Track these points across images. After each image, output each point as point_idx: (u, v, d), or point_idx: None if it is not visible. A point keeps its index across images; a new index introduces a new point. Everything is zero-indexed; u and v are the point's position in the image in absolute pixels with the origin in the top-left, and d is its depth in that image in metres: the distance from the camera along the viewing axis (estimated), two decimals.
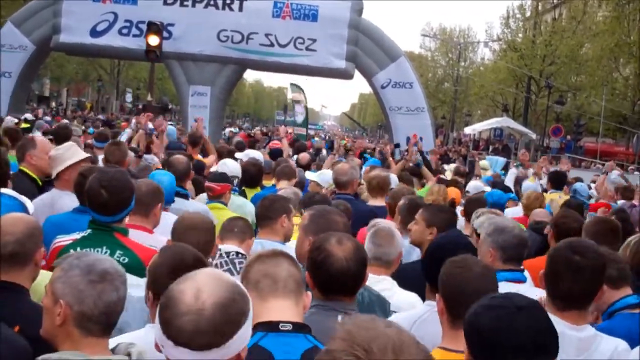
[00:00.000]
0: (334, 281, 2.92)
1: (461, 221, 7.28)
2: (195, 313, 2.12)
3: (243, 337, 2.22)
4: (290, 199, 5.80)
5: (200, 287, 2.17)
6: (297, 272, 2.89)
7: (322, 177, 7.99)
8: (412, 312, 3.94)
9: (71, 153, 6.04)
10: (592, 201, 11.35)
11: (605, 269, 3.56)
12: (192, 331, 2.11)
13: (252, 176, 8.28)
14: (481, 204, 7.14)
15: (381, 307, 4.08)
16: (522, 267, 4.67)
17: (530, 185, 11.24)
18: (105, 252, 4.26)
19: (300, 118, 29.30)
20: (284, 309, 2.80)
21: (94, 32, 21.26)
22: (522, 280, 4.55)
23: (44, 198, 5.80)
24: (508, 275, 4.28)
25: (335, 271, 3.07)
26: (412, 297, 4.47)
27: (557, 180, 10.90)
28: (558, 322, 3.31)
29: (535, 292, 4.09)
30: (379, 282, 4.36)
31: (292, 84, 30.53)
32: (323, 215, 4.29)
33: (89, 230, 4.43)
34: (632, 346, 3.46)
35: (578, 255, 3.42)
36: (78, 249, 4.25)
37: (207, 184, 7.09)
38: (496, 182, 12.45)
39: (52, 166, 5.99)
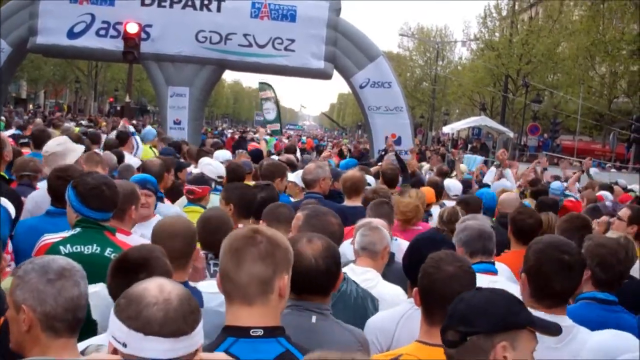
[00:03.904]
0: (303, 279, 2.91)
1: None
2: (163, 302, 2.21)
3: (201, 333, 2.31)
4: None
5: (161, 283, 2.28)
6: (261, 269, 2.71)
7: (299, 178, 8.07)
8: (396, 309, 4.00)
9: (70, 149, 6.41)
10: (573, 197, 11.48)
11: (586, 262, 3.71)
12: (163, 318, 2.19)
13: (238, 178, 8.33)
14: (472, 206, 7.20)
15: (372, 302, 4.15)
16: (492, 260, 4.84)
17: (499, 184, 11.30)
18: (96, 250, 4.32)
19: (272, 115, 29.21)
20: (251, 315, 2.72)
21: (71, 34, 21.05)
22: (493, 272, 4.68)
23: (43, 193, 5.81)
24: (475, 267, 4.36)
25: (303, 269, 3.06)
26: (396, 289, 4.56)
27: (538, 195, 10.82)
28: (538, 314, 3.38)
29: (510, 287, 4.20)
30: (364, 273, 4.46)
31: (260, 83, 30.36)
32: (317, 216, 4.33)
33: (78, 229, 4.44)
34: None
35: (566, 255, 3.49)
36: (68, 245, 4.31)
37: (187, 187, 7.09)
38: (465, 181, 12.54)
39: (49, 163, 6.07)
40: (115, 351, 2.24)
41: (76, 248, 4.31)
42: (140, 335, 2.17)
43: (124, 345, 2.20)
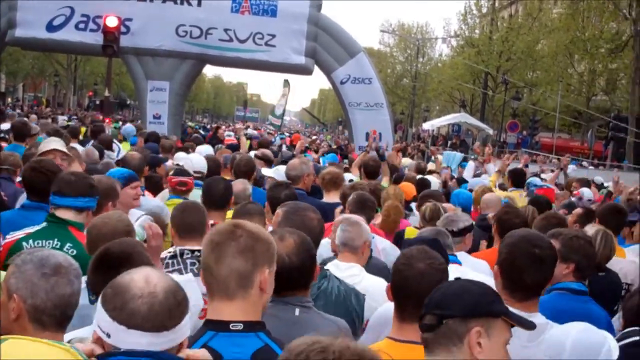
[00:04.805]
0: (279, 278, 2.93)
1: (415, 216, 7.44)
2: (148, 296, 2.22)
3: (187, 326, 2.32)
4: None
5: (148, 275, 2.29)
6: (240, 263, 2.71)
7: (278, 173, 8.09)
8: None
9: (44, 145, 6.72)
10: None
11: (557, 256, 3.74)
12: (147, 312, 2.20)
13: (212, 172, 8.30)
14: (435, 199, 7.26)
15: (357, 298, 4.16)
16: (454, 253, 4.94)
17: (477, 181, 11.37)
18: (56, 245, 4.34)
19: (279, 110, 29.41)
20: (231, 310, 2.72)
21: (51, 27, 20.95)
22: (457, 262, 4.80)
23: None
24: None
25: (278, 268, 2.98)
26: (381, 281, 4.58)
27: (517, 178, 10.93)
28: (515, 312, 3.42)
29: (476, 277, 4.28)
30: (349, 269, 4.51)
31: (285, 80, 30.52)
32: (296, 212, 4.31)
33: (44, 224, 4.49)
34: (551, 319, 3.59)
35: (537, 248, 3.53)
36: (30, 241, 4.35)
37: (177, 179, 7.07)
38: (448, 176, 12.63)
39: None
40: (99, 340, 2.26)
41: (38, 243, 4.35)
42: (123, 328, 2.19)
43: (108, 335, 2.22)
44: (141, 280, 2.25)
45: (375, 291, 4.37)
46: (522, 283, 3.52)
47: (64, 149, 6.87)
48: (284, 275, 3.18)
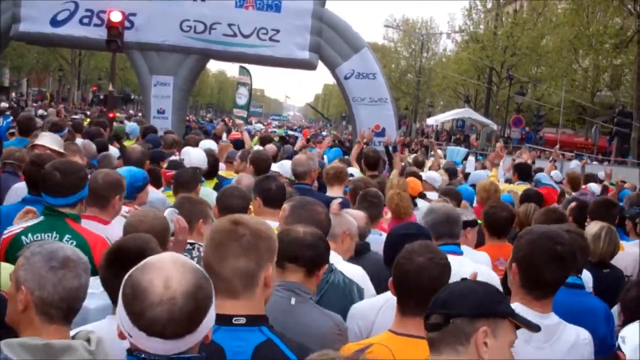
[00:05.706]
0: (287, 249, 2.94)
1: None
2: (167, 303, 2.13)
3: (211, 319, 2.26)
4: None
5: (168, 276, 2.18)
6: (245, 264, 2.71)
7: (283, 168, 8.12)
8: (378, 297, 4.04)
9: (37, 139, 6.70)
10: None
11: (576, 253, 3.76)
12: (166, 321, 2.13)
13: (210, 167, 8.32)
14: (450, 196, 7.27)
15: (358, 291, 4.21)
16: (457, 241, 4.91)
17: (478, 175, 11.33)
18: (55, 237, 4.35)
19: (243, 101, 29.07)
20: (235, 306, 2.72)
21: (55, 22, 20.91)
22: (458, 253, 4.76)
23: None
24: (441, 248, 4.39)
25: (291, 239, 3.10)
26: (356, 268, 4.61)
27: (524, 172, 10.93)
28: (527, 312, 3.42)
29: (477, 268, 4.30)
30: None
31: (241, 67, 30.10)
32: (303, 206, 4.35)
33: (41, 217, 4.51)
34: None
35: (559, 245, 3.50)
36: (29, 235, 4.36)
37: (173, 172, 7.10)
38: (450, 169, 12.59)
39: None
40: (122, 334, 2.23)
41: (37, 237, 4.35)
42: (144, 335, 2.15)
43: (130, 335, 2.19)
44: (160, 284, 2.16)
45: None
46: (541, 280, 3.50)
47: (51, 145, 6.88)
48: (293, 245, 3.21)
